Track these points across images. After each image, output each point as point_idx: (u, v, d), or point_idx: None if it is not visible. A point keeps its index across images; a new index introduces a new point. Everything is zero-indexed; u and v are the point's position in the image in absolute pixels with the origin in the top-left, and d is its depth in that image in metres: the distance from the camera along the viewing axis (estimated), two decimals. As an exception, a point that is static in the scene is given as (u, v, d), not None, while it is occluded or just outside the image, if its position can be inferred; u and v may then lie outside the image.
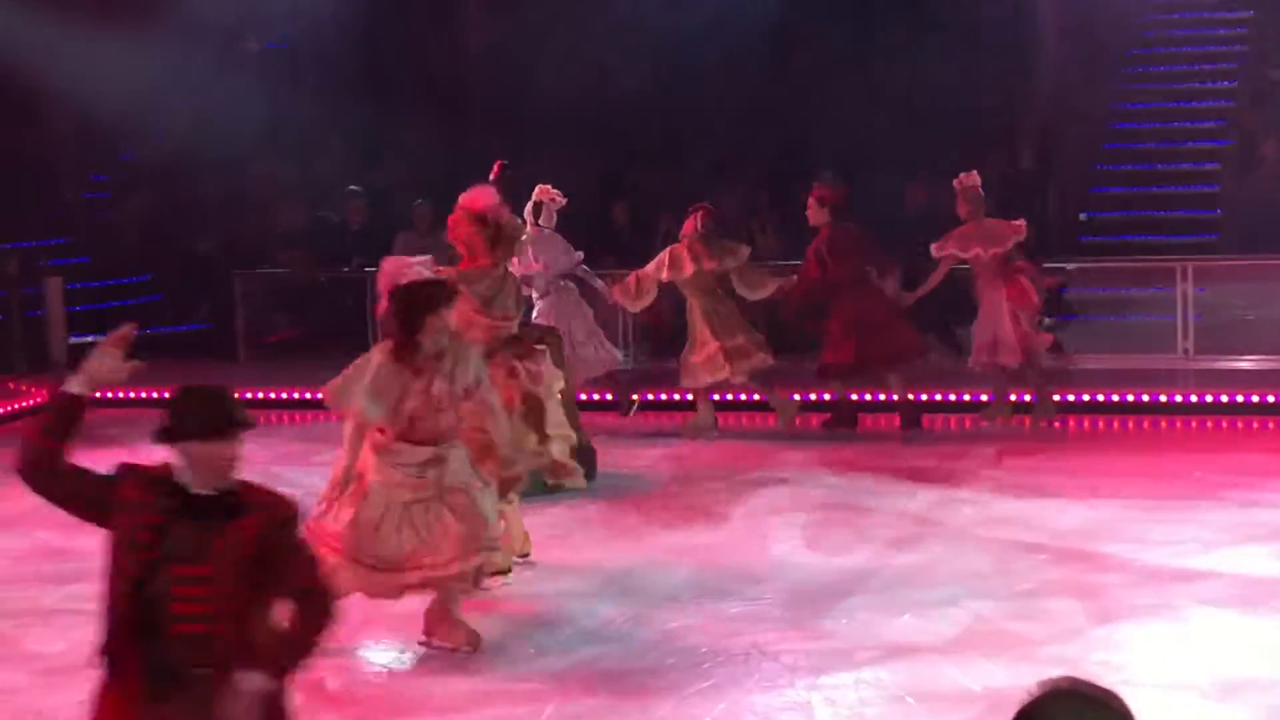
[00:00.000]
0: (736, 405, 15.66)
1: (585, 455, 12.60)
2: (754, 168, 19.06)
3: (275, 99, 20.13)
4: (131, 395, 17.08)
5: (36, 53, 18.35)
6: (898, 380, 14.43)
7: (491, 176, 12.93)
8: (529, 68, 20.32)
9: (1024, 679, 7.97)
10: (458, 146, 18.98)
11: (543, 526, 11.37)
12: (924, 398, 14.84)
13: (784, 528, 11.57)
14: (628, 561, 10.82)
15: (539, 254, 13.91)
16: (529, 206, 13.82)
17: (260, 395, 16.55)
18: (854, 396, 14.70)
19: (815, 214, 14.44)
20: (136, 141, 20.86)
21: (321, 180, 20.31)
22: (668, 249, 14.44)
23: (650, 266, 14.29)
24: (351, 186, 19.45)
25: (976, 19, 18.97)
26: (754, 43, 19.47)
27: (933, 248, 14.34)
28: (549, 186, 14.08)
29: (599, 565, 10.71)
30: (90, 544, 10.32)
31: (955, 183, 14.20)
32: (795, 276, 14.62)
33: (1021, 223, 14.10)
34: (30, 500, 5.69)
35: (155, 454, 5.56)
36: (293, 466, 13.46)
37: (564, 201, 14.12)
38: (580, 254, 14.50)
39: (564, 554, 11.07)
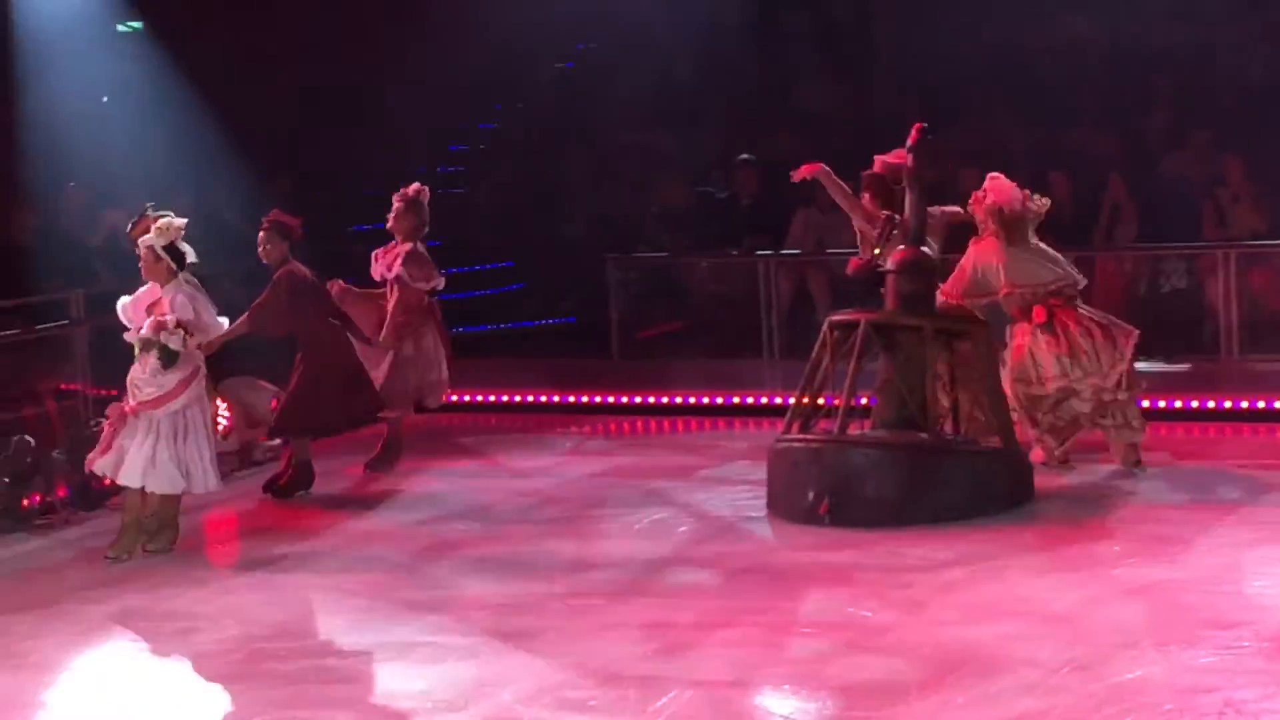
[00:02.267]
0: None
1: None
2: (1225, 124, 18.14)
3: (650, 57, 19.99)
4: (492, 399, 17.22)
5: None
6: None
7: (909, 143, 12.53)
8: (948, 13, 19.87)
9: None
10: (862, 108, 18.51)
11: (972, 556, 11.38)
12: None
13: (1263, 562, 11.19)
14: (1071, 599, 10.51)
15: None
16: None
17: (635, 400, 16.37)
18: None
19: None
20: (497, 108, 21.01)
21: (705, 150, 20.19)
22: None
23: None
24: (742, 156, 19.08)
25: None
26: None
27: None
28: None
29: (1037, 602, 10.43)
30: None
31: None
32: None
33: None
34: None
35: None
36: (671, 479, 13.99)
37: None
38: None
39: (997, 588, 10.88)
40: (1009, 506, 12.38)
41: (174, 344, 11.88)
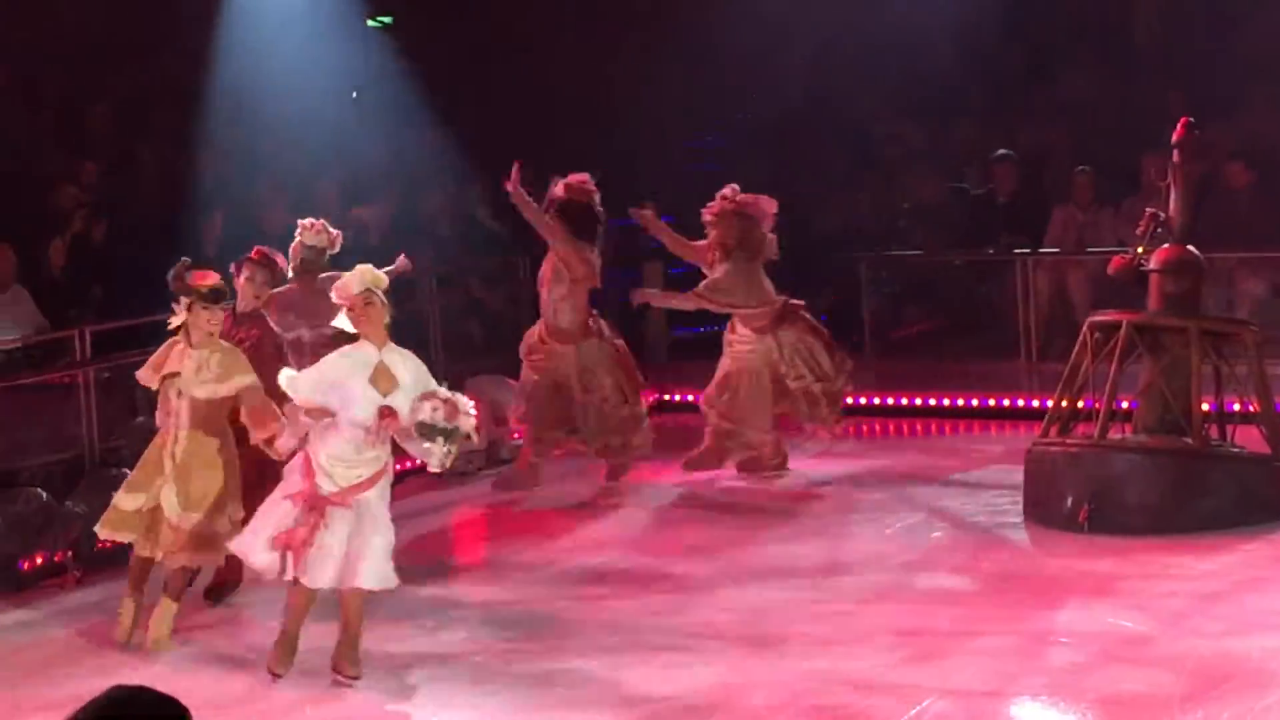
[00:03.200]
0: None
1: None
2: None
3: (909, 45, 19.96)
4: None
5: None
6: None
7: (1174, 138, 12.24)
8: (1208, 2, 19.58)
9: None
10: (1128, 99, 18.49)
11: (1237, 566, 11.47)
12: None
13: None
14: None
15: None
16: None
17: (888, 401, 16.44)
18: None
19: None
20: (753, 97, 21.03)
21: (960, 144, 20.05)
22: None
23: None
24: (999, 151, 18.98)
25: None
26: None
27: None
28: None
29: None
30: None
31: None
32: None
33: None
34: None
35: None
36: (924, 483, 14.08)
37: None
38: None
39: (1264, 600, 10.78)
40: (1278, 516, 12.24)
41: (466, 426, 10.12)
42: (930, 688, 9.37)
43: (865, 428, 16.69)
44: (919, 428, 16.72)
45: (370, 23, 20.75)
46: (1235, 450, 12.80)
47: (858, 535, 12.85)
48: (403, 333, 16.15)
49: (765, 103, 20.73)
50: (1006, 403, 16.14)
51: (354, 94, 20.91)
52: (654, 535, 13.16)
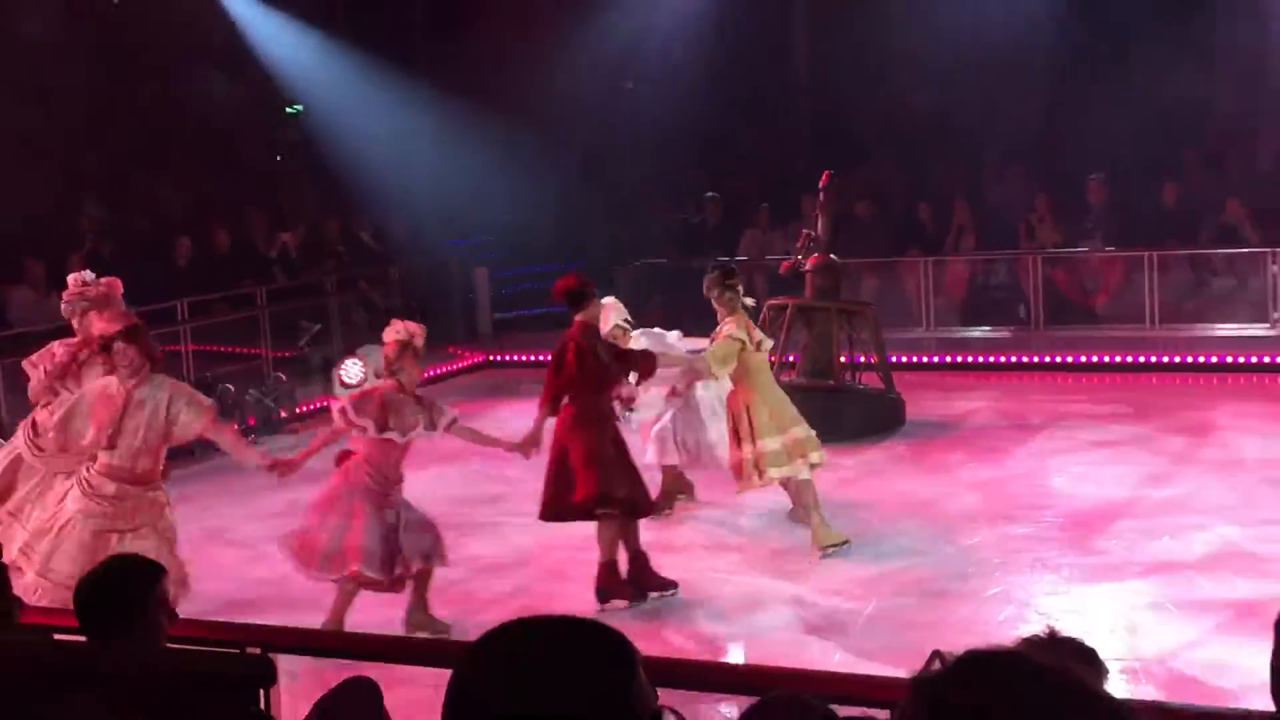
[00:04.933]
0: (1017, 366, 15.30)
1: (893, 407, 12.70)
2: (1032, 167, 18.26)
3: (655, 122, 19.99)
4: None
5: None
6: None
7: (821, 184, 12.55)
8: (845, 91, 19.70)
9: (1267, 592, 7.73)
10: (792, 162, 18.59)
11: (864, 464, 11.52)
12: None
13: (1064, 466, 11.29)
14: (932, 491, 10.69)
15: None
16: None
17: None
18: None
19: None
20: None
21: (686, 187, 19.79)
22: None
23: None
24: (709, 193, 18.99)
25: (1214, 39, 17.89)
26: (1032, 61, 18.73)
27: None
28: None
29: (910, 494, 10.59)
30: (514, 472, 10.75)
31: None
32: None
33: None
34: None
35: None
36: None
37: None
38: None
39: (882, 483, 11.05)
40: (889, 431, 12.47)
41: None
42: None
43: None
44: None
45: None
46: (861, 388, 13.02)
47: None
48: (312, 317, 16.07)
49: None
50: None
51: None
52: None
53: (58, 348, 8.38)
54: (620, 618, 8.09)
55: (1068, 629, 3.33)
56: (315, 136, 18.22)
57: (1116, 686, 6.69)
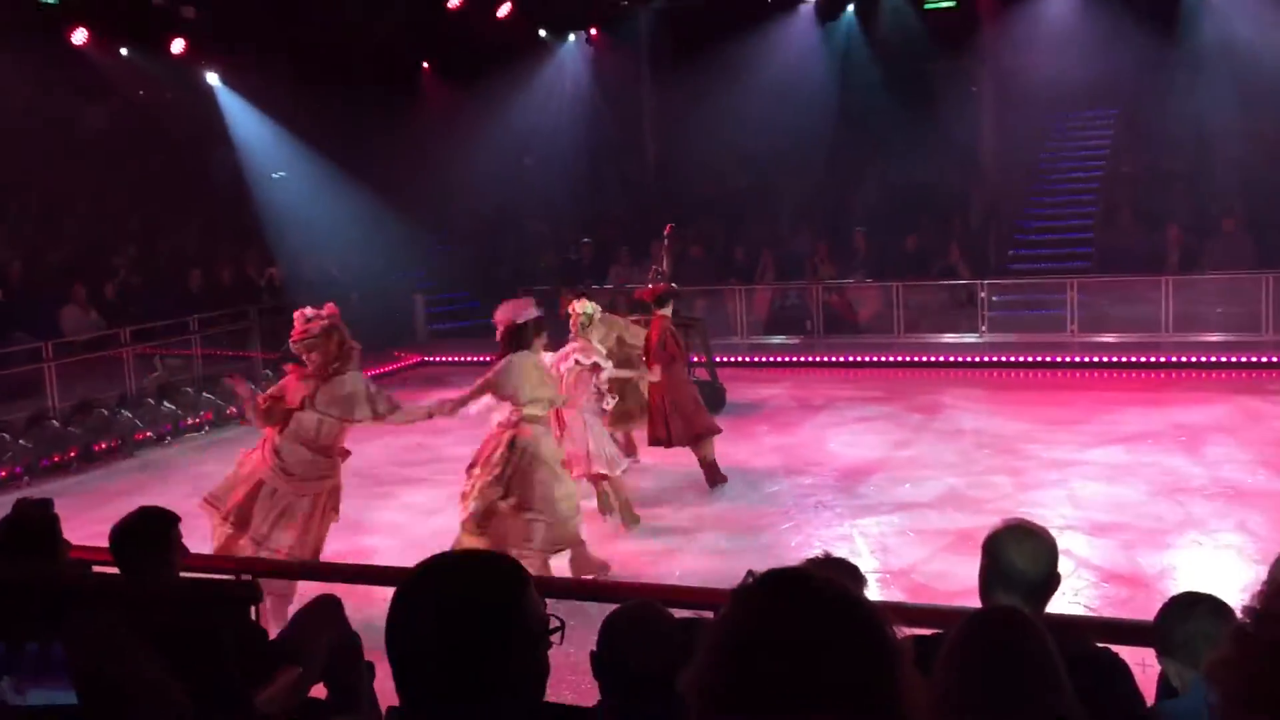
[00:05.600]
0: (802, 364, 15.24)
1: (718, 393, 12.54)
2: (815, 225, 18.51)
3: (547, 188, 19.84)
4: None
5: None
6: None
7: (665, 234, 12.52)
8: (685, 168, 19.79)
9: (979, 523, 7.91)
10: (645, 217, 18.63)
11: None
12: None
13: (837, 434, 11.33)
14: (744, 453, 10.62)
15: None
16: None
17: None
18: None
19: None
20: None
21: (570, 231, 19.55)
22: None
23: None
24: (584, 239, 18.99)
25: (940, 135, 18.31)
26: (818, 153, 18.97)
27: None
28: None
29: (729, 457, 10.41)
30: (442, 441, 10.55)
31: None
32: None
33: None
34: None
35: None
36: None
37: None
38: None
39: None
40: (716, 410, 11.69)
41: None
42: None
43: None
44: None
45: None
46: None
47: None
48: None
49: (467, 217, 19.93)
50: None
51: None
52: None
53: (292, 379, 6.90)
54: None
55: (840, 551, 3.38)
56: (295, 196, 17.88)
57: (873, 592, 6.84)
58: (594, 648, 2.77)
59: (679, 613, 2.93)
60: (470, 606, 1.70)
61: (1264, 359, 13.53)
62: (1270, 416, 11.10)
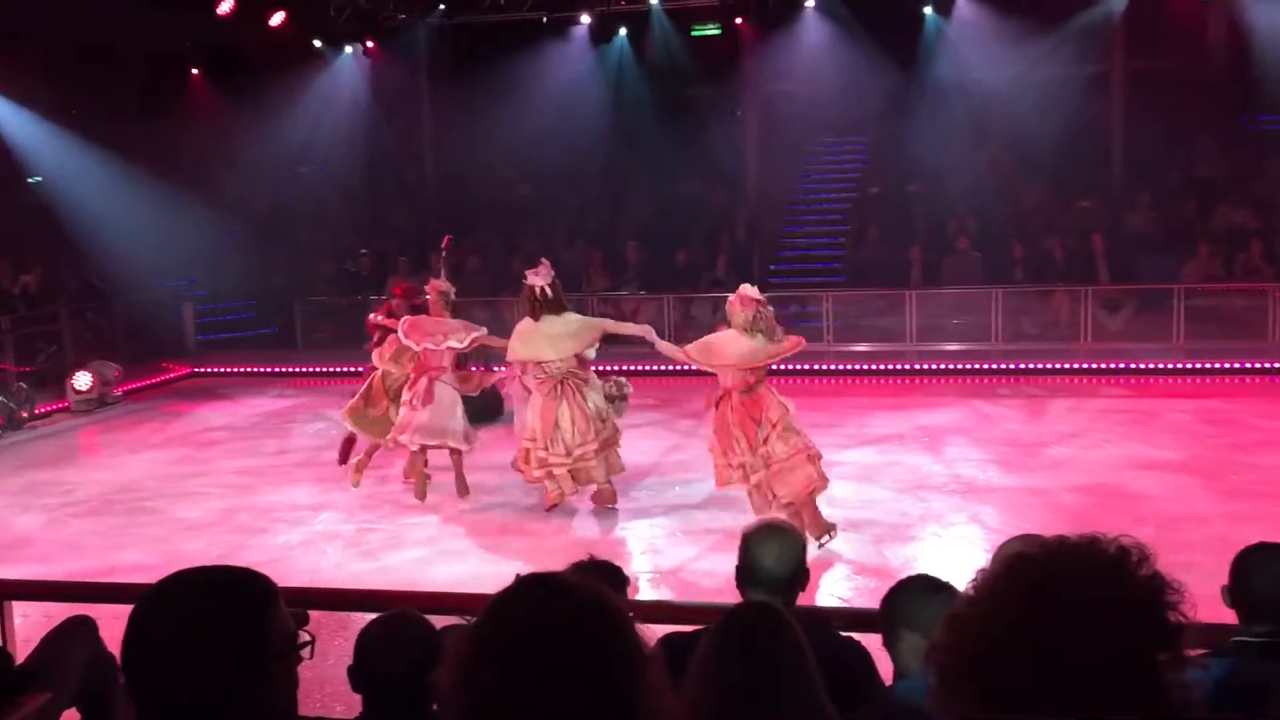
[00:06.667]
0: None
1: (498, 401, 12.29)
2: (590, 237, 18.68)
3: (324, 199, 19.23)
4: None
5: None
6: None
7: (443, 245, 12.36)
8: (465, 180, 19.61)
9: (740, 522, 8.07)
10: (424, 229, 18.39)
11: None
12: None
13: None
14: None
15: None
16: None
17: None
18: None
19: None
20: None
21: (347, 245, 19.27)
22: None
23: None
24: (362, 250, 18.59)
25: (708, 155, 18.86)
26: (593, 168, 19.13)
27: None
28: None
29: (501, 462, 10.41)
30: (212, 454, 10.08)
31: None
32: None
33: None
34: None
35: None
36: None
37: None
38: None
39: (483, 456, 10.48)
40: (495, 416, 11.54)
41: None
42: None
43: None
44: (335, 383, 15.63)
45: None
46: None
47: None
48: (48, 340, 14.68)
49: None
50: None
51: None
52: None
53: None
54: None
55: (613, 554, 3.37)
56: (52, 201, 16.72)
57: (645, 591, 6.89)
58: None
59: (443, 619, 2.87)
60: (208, 623, 1.63)
61: (994, 365, 14.50)
62: (1000, 418, 11.89)
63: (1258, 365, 13.73)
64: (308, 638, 1.74)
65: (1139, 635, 1.21)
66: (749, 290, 7.75)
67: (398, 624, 2.68)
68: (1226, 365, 13.73)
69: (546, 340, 8.36)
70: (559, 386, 8.39)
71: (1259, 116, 17.73)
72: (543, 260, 8.58)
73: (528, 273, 8.51)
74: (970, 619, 1.30)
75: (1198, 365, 13.82)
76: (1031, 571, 1.27)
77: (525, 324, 8.46)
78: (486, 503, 9.17)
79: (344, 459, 9.73)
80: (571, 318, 8.48)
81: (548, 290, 8.37)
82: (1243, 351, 13.99)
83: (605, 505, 8.69)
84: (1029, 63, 17.24)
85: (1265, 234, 16.04)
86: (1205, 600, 3.10)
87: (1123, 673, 1.20)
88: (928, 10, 18.17)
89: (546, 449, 8.34)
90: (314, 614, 4.41)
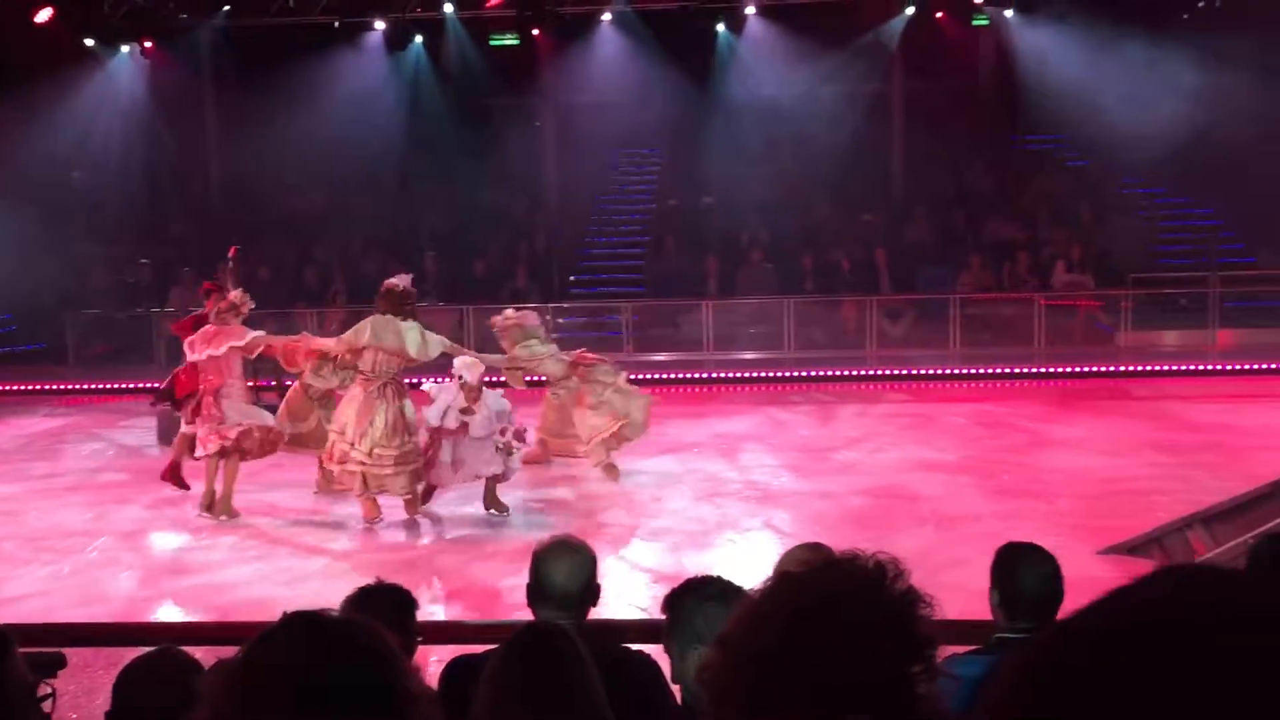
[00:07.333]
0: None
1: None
2: (388, 247, 18.30)
3: (98, 205, 18.28)
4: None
5: None
6: None
7: (230, 255, 11.83)
8: (254, 187, 18.80)
9: (544, 535, 8.00)
10: (209, 238, 17.68)
11: None
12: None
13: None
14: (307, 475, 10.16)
15: None
16: None
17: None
18: None
19: None
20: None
21: (124, 254, 18.36)
22: None
23: None
24: (143, 260, 17.68)
25: (507, 165, 18.79)
26: (390, 176, 18.79)
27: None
28: None
29: (288, 479, 10.05)
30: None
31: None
32: None
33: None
34: None
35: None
36: None
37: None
38: None
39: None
40: None
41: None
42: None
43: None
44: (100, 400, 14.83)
45: None
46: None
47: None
48: None
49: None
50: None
51: None
52: None
53: None
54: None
55: (405, 576, 3.21)
56: None
57: (439, 613, 6.72)
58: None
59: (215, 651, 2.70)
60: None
61: (787, 374, 14.96)
62: (793, 425, 12.26)
63: (1026, 370, 14.65)
64: (48, 690, 1.59)
65: (895, 650, 1.22)
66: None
67: (157, 662, 2.51)
68: (998, 370, 14.60)
69: (410, 340, 8.40)
70: (383, 388, 8.42)
71: (1026, 136, 18.99)
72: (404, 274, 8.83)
73: (393, 279, 8.68)
74: (738, 640, 1.29)
75: (972, 370, 14.64)
76: (794, 592, 1.27)
77: (380, 319, 8.45)
78: (294, 519, 8.82)
79: (173, 479, 9.16)
80: (419, 328, 8.55)
81: (410, 291, 8.57)
82: (1012, 357, 14.92)
83: (411, 514, 8.63)
84: (816, 80, 17.92)
85: (1030, 246, 17.16)
86: (977, 596, 3.26)
87: (882, 688, 1.21)
88: (720, 27, 18.63)
89: (352, 444, 8.34)
90: (83, 651, 4.06)
